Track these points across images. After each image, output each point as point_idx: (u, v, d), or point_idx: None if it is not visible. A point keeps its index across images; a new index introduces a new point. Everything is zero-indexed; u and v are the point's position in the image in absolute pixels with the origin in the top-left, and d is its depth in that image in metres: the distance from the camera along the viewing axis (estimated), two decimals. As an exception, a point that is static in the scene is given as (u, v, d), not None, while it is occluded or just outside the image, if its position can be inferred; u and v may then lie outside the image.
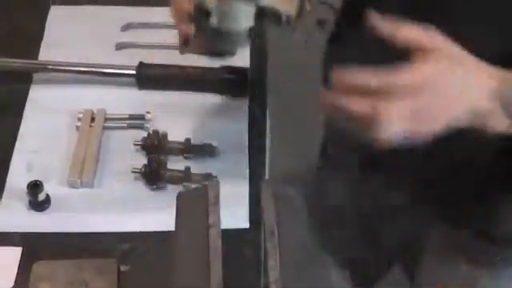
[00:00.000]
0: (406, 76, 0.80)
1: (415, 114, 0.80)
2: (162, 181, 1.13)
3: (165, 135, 1.18)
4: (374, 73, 0.80)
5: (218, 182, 0.84)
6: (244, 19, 1.00)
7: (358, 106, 0.78)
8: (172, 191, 1.13)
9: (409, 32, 0.84)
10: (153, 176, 1.13)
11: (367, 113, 0.78)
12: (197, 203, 0.83)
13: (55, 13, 1.39)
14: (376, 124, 0.79)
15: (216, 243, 0.79)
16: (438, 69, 0.82)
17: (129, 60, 1.29)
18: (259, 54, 1.32)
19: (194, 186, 1.10)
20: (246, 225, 1.09)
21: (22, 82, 1.28)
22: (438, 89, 0.82)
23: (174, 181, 1.13)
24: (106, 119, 1.22)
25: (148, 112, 1.22)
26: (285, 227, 0.80)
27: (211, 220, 0.80)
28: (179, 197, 0.87)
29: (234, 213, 1.09)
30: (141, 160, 1.16)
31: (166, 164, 1.14)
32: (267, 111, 1.25)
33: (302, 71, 1.88)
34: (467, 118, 0.84)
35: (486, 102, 0.84)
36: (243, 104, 1.24)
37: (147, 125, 1.21)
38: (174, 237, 0.84)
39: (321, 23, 2.56)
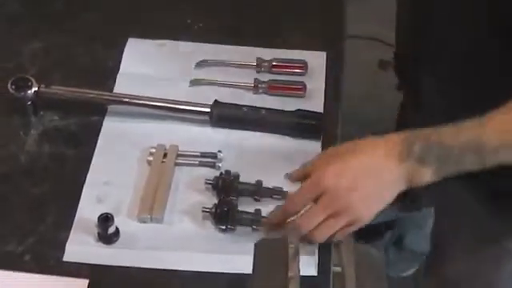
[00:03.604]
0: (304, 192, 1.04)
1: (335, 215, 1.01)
2: (232, 222, 1.12)
3: (237, 176, 1.17)
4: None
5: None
6: None
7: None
8: (241, 233, 1.13)
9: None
10: (223, 217, 1.12)
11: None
12: (276, 254, 0.82)
13: (132, 46, 1.40)
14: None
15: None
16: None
17: (201, 97, 1.29)
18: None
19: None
20: (314, 272, 1.08)
21: (96, 113, 1.28)
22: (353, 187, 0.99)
23: (244, 223, 1.13)
24: (178, 155, 1.22)
25: (220, 151, 1.22)
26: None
27: (291, 273, 0.79)
28: (258, 246, 0.86)
29: (302, 260, 1.07)
30: (211, 199, 1.16)
31: (236, 205, 1.14)
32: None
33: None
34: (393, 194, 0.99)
35: (399, 169, 0.96)
36: (316, 148, 1.23)
37: (219, 164, 1.21)
38: (251, 286, 0.84)
39: (383, 65, 2.56)
